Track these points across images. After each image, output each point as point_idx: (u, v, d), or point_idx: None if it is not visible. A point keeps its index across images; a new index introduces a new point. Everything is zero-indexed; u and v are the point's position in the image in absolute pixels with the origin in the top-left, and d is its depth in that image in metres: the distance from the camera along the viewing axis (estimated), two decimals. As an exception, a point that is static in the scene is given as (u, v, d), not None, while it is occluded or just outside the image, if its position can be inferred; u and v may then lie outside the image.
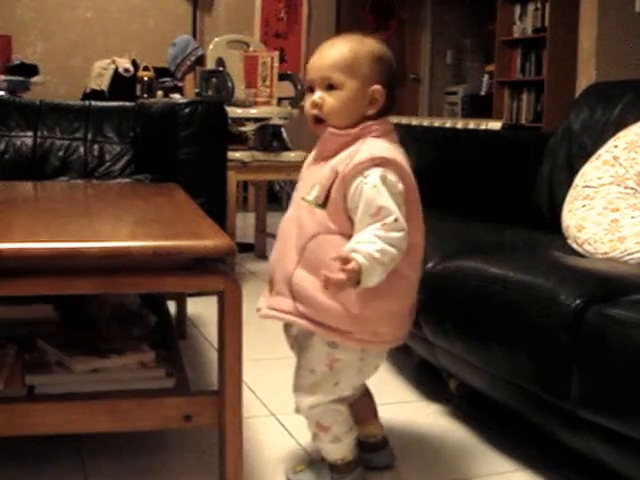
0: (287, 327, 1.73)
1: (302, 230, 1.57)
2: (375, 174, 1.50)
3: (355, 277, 1.45)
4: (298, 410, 1.70)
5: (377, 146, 1.55)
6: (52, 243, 1.51)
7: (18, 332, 1.92)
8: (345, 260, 1.45)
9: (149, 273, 1.56)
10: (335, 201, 1.53)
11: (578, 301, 1.58)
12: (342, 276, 1.44)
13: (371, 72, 1.57)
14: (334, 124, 1.58)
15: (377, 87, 1.57)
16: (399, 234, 1.49)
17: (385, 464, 1.82)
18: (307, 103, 1.60)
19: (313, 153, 1.67)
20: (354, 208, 1.52)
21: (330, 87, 1.56)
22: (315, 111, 1.58)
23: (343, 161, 1.54)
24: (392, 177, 1.52)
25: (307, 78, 1.61)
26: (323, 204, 1.55)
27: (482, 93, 7.57)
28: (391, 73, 1.61)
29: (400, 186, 1.53)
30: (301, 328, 1.63)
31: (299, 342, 1.69)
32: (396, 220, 1.49)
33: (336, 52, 1.58)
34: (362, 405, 1.78)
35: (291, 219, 1.62)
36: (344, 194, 1.53)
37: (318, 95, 1.57)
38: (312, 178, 1.60)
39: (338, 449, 1.70)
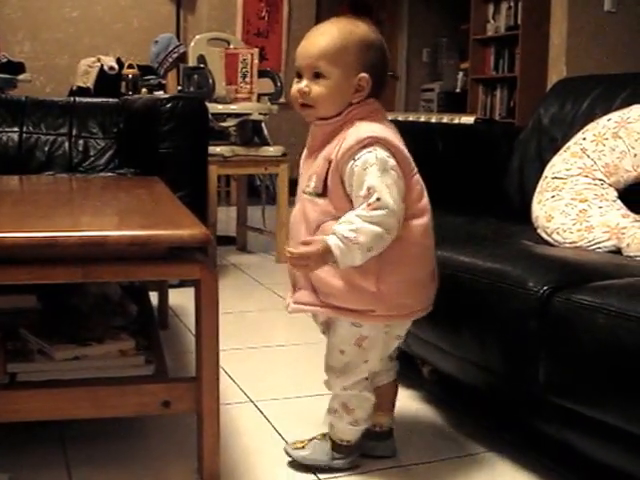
0: (315, 315, 1.75)
1: (308, 222, 1.61)
2: (364, 155, 1.53)
3: (323, 256, 1.51)
4: (329, 388, 1.73)
5: (362, 128, 1.57)
6: (32, 232, 1.52)
7: (1, 321, 1.93)
8: (306, 243, 1.53)
9: (127, 262, 1.57)
10: (334, 188, 1.57)
11: (545, 288, 1.61)
12: (302, 249, 1.52)
13: (358, 61, 1.58)
14: (321, 112, 1.60)
15: (363, 75, 1.58)
16: (381, 212, 1.51)
17: (387, 454, 1.84)
18: (293, 89, 1.61)
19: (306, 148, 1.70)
20: (352, 192, 1.56)
21: (317, 75, 1.58)
22: (301, 99, 1.60)
23: (333, 149, 1.57)
24: (382, 154, 1.54)
25: (296, 64, 1.62)
26: (322, 193, 1.58)
27: (457, 90, 7.65)
28: (380, 59, 1.62)
29: (392, 161, 1.55)
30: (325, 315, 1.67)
31: (327, 326, 1.72)
32: (379, 199, 1.51)
33: (325, 40, 1.58)
34: (385, 392, 1.82)
35: (298, 214, 1.66)
36: (341, 180, 1.56)
37: (305, 83, 1.59)
38: (308, 171, 1.63)
39: (352, 432, 1.74)
